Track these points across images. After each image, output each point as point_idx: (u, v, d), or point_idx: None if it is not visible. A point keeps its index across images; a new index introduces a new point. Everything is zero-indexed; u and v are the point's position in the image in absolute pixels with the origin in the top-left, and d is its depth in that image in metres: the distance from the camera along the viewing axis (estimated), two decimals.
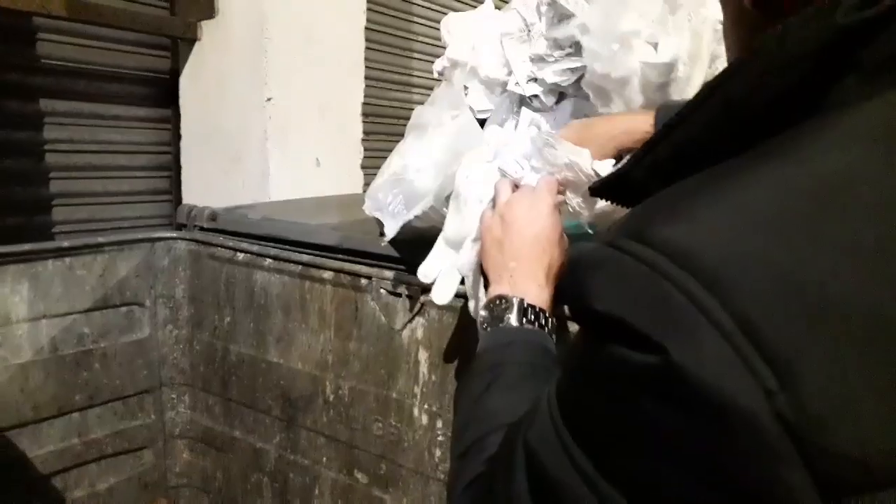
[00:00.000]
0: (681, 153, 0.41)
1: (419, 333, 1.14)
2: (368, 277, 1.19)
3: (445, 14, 3.42)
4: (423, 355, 1.14)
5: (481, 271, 0.78)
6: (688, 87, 0.87)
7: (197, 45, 2.16)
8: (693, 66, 0.86)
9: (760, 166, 0.35)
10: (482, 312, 0.72)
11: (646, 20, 0.87)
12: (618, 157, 0.90)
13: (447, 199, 0.89)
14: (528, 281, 0.71)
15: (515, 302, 0.69)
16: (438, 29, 3.40)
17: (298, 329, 1.29)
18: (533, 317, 0.68)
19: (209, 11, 2.11)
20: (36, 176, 1.96)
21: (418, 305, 1.13)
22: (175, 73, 2.25)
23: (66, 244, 1.30)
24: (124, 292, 1.39)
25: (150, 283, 1.43)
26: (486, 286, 0.77)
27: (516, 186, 0.81)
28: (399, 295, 1.15)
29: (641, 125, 0.81)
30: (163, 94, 2.26)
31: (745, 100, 0.38)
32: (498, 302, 0.70)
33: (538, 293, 0.70)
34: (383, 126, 3.01)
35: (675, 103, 0.82)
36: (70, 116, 2.02)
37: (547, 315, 0.70)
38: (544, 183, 0.79)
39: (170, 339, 1.46)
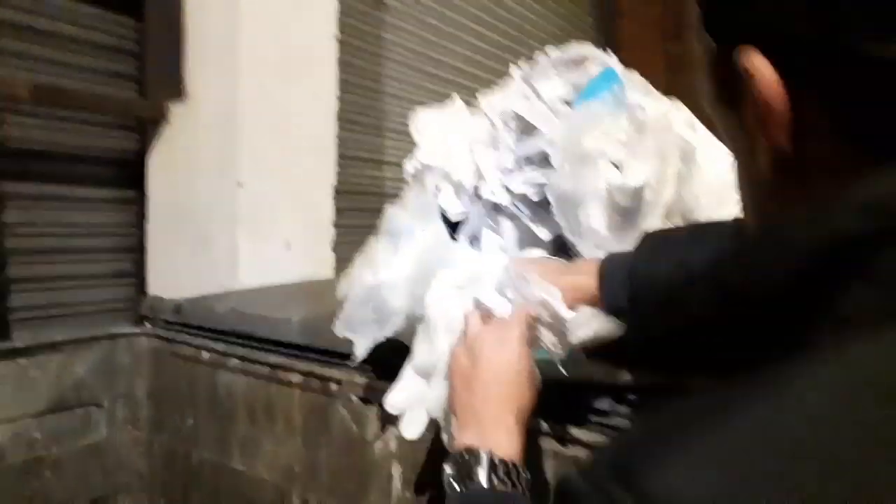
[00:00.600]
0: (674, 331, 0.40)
1: (392, 446, 1.09)
2: (339, 382, 1.14)
3: (417, 94, 3.46)
4: (396, 470, 1.09)
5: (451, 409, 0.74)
6: (653, 212, 0.86)
7: (165, 127, 2.14)
8: (660, 191, 0.85)
9: (757, 406, 0.32)
10: (447, 466, 0.67)
11: (611, 139, 0.86)
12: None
13: (417, 319, 0.86)
14: (497, 427, 0.67)
15: (484, 457, 0.64)
16: (409, 108, 3.43)
17: (264, 435, 1.23)
18: (504, 474, 0.63)
19: (178, 93, 2.09)
20: None
21: (392, 416, 1.08)
22: (142, 154, 2.22)
23: (19, 345, 1.24)
24: (81, 393, 1.32)
25: (109, 382, 1.36)
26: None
27: (488, 317, 0.78)
28: (371, 402, 1.11)
29: (586, 283, 0.78)
30: (129, 175, 2.22)
31: (743, 294, 0.36)
32: (465, 455, 0.65)
33: (508, 441, 0.66)
34: (355, 202, 3.00)
35: (619, 256, 0.79)
36: (32, 199, 1.96)
37: (519, 469, 0.65)
38: (516, 315, 0.76)
39: (128, 441, 1.39)
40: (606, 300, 0.76)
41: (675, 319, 0.71)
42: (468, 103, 1.19)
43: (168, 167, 2.16)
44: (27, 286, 1.97)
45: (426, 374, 0.84)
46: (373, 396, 1.10)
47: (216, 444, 1.29)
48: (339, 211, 2.54)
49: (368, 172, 3.11)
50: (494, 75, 4.03)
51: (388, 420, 1.09)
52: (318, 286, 2.00)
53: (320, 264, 2.39)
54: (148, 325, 1.43)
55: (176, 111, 2.13)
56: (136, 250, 2.26)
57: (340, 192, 2.55)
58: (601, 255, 0.83)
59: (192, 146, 2.11)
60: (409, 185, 1.14)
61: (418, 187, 1.09)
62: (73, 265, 2.09)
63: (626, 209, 0.83)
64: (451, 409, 0.74)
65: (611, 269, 0.78)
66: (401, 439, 1.08)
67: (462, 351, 0.74)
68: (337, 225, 2.51)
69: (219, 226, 2.09)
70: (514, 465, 0.65)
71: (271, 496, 1.22)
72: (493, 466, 0.63)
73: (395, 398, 0.86)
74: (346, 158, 2.74)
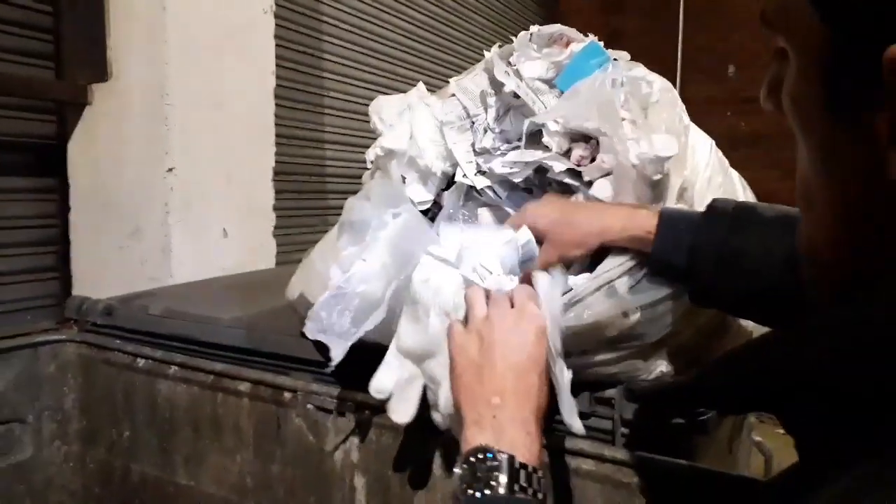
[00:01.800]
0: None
1: (354, 456, 1.01)
2: (293, 391, 1.05)
3: (357, 70, 3.34)
4: (359, 481, 1.01)
5: (456, 403, 0.66)
6: (671, 191, 0.80)
7: (87, 110, 1.97)
8: (676, 168, 0.79)
9: None
10: (459, 470, 0.59)
11: (620, 115, 0.80)
12: (594, 257, 0.81)
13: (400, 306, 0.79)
14: (516, 427, 0.59)
15: (505, 461, 0.56)
16: (350, 84, 3.29)
17: (211, 448, 1.14)
18: (526, 481, 0.56)
19: (101, 74, 1.93)
20: None
21: (353, 424, 1.00)
22: (62, 140, 2.04)
23: None
24: (1, 409, 1.19)
25: (34, 395, 1.23)
26: (460, 422, 0.65)
27: (493, 296, 0.71)
28: (330, 411, 1.02)
29: (646, 219, 0.75)
30: (48, 162, 2.05)
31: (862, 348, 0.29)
32: (482, 457, 0.57)
33: (529, 444, 0.59)
34: (294, 184, 2.88)
35: (679, 213, 0.77)
36: None
37: (541, 476, 0.58)
38: (526, 294, 0.68)
39: (57, 457, 1.27)
40: (659, 251, 0.74)
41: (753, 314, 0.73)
42: (428, 85, 1.11)
43: (91, 153, 2.00)
44: None
45: (415, 357, 0.77)
46: (330, 404, 1.01)
47: (158, 457, 1.19)
48: (278, 193, 2.42)
49: (308, 152, 2.99)
50: (438, 49, 3.95)
51: (348, 428, 1.01)
52: (259, 277, 1.89)
53: (260, 252, 2.27)
54: (75, 329, 1.30)
55: (98, 93, 1.97)
56: (59, 243, 2.10)
57: (278, 174, 2.43)
58: None
59: (117, 130, 1.95)
60: (371, 173, 1.05)
61: (381, 175, 1.01)
62: None
63: (653, 184, 0.77)
64: (456, 400, 0.65)
65: (670, 222, 0.75)
66: (363, 448, 1.01)
67: (467, 335, 0.66)
68: (276, 209, 2.39)
69: (149, 216, 1.95)
70: (534, 470, 0.58)
71: None
72: (513, 472, 0.56)
73: (382, 381, 0.79)
74: (284, 138, 2.62)
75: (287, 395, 1.06)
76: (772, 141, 4.77)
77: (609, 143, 0.77)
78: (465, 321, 0.70)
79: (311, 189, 3.06)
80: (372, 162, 1.05)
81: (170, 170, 1.91)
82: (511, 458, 0.57)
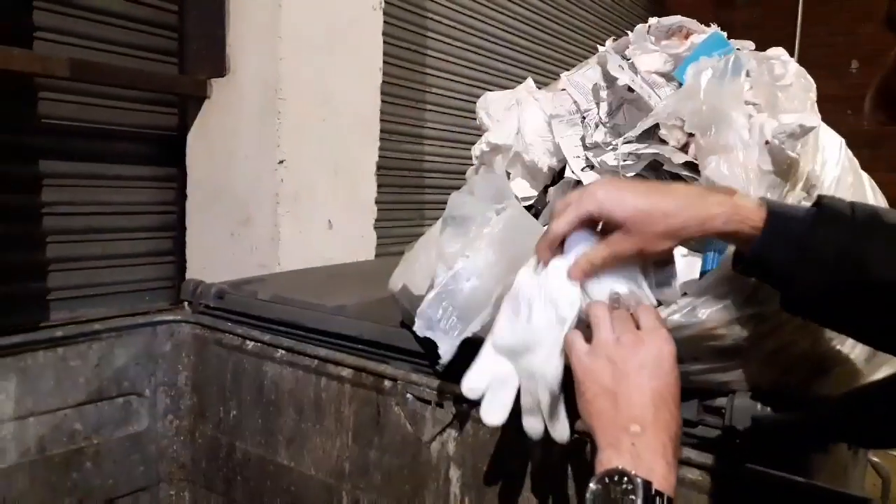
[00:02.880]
0: None
1: (451, 448, 1.02)
2: (393, 379, 1.07)
3: (460, 66, 3.36)
4: (454, 473, 1.02)
5: (587, 426, 0.65)
6: (797, 180, 0.75)
7: (206, 104, 2.07)
8: (804, 155, 0.75)
9: None
10: (593, 486, 0.58)
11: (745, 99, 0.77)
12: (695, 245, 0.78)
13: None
14: (656, 456, 0.58)
15: (641, 486, 0.56)
16: (452, 80, 3.31)
17: (312, 430, 1.17)
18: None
19: (220, 69, 2.02)
20: (32, 241, 1.85)
21: (451, 416, 1.01)
22: (182, 131, 2.16)
23: (59, 333, 1.19)
24: (121, 382, 1.27)
25: (151, 371, 1.31)
26: (592, 444, 0.64)
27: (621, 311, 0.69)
28: (428, 402, 1.03)
29: (754, 211, 0.66)
30: (168, 152, 2.17)
31: None
32: (617, 479, 0.57)
33: (667, 474, 0.58)
34: (394, 179, 2.93)
35: (788, 206, 0.68)
36: (70, 177, 1.92)
37: None
38: (654, 315, 0.67)
39: (170, 430, 1.34)
40: (765, 248, 0.65)
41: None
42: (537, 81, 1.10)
43: (208, 145, 2.10)
44: (64, 266, 1.94)
45: (512, 353, 0.75)
46: (429, 395, 1.02)
47: (261, 437, 1.24)
48: (379, 187, 2.47)
49: (408, 147, 3.04)
50: (543, 45, 3.91)
51: (446, 420, 1.01)
52: (361, 268, 1.93)
53: (362, 244, 2.33)
54: (189, 311, 1.37)
55: (217, 87, 2.06)
56: (175, 229, 2.22)
57: (380, 168, 2.48)
58: None
59: (233, 123, 2.04)
60: (475, 168, 1.05)
61: (486, 170, 1.01)
62: (110, 244, 2.05)
63: (783, 166, 0.72)
64: (588, 423, 0.65)
65: (781, 218, 0.65)
66: (459, 441, 1.02)
67: (595, 358, 0.65)
68: (377, 202, 2.44)
69: (260, 205, 2.03)
70: (670, 500, 0.57)
71: (319, 493, 1.16)
72: (649, 497, 0.55)
73: (475, 380, 0.77)
74: (387, 133, 2.67)
75: (387, 383, 1.07)
76: None
77: (728, 126, 0.73)
78: (587, 339, 0.69)
79: (411, 184, 3.10)
80: (477, 157, 1.05)
81: (280, 162, 1.98)
82: (648, 485, 0.56)
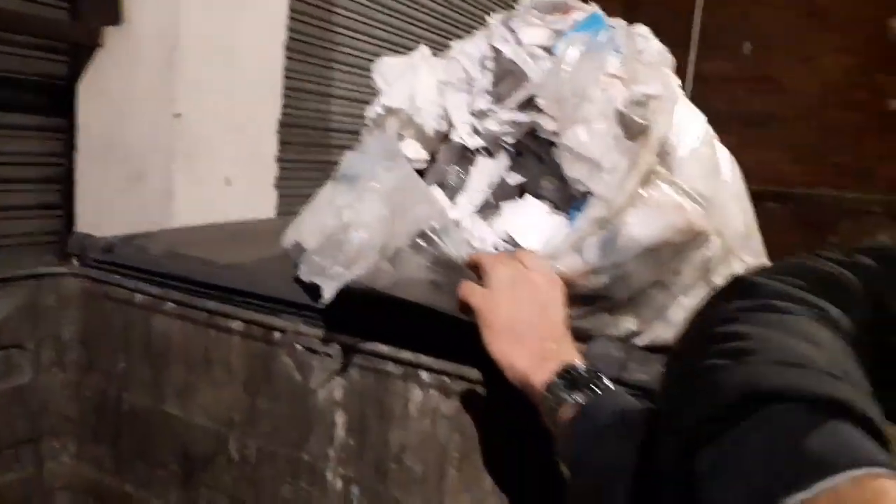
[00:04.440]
0: None
1: (337, 395, 1.06)
2: (283, 331, 1.10)
3: (369, 26, 3.34)
4: (340, 418, 1.06)
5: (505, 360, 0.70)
6: (649, 147, 0.82)
7: (99, 53, 2.00)
8: (657, 119, 0.81)
9: None
10: (550, 392, 0.62)
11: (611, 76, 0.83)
12: None
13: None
14: (576, 354, 0.66)
15: (593, 371, 0.63)
16: (361, 40, 3.29)
17: (201, 382, 1.19)
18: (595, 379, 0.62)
19: (114, 17, 1.95)
20: None
21: (338, 365, 1.05)
22: (72, 81, 2.07)
23: None
24: (3, 335, 1.24)
25: (34, 324, 1.28)
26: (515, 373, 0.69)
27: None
28: (316, 352, 1.07)
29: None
30: (56, 102, 2.08)
31: None
32: (573, 372, 0.62)
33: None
34: (299, 137, 2.90)
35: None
36: None
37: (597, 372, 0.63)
38: (530, 253, 0.74)
39: (55, 384, 1.32)
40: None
41: None
42: (434, 50, 1.14)
43: (100, 95, 2.03)
44: None
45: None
46: (318, 345, 1.06)
47: (150, 388, 1.24)
48: (282, 145, 2.45)
49: (314, 106, 3.01)
50: (451, 9, 3.93)
51: (333, 368, 1.06)
52: (258, 226, 1.93)
53: (262, 203, 2.31)
54: (76, 264, 1.34)
55: (110, 36, 1.99)
56: (64, 182, 2.14)
57: (284, 126, 2.46)
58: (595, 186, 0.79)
59: (128, 74, 1.98)
60: (370, 131, 1.08)
61: (379, 132, 1.04)
62: None
63: (634, 130, 0.79)
64: (504, 357, 0.69)
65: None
66: (346, 388, 1.06)
67: (493, 295, 0.71)
68: (280, 160, 2.42)
69: (154, 159, 1.99)
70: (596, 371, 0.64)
71: (208, 442, 1.18)
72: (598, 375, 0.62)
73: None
74: (292, 91, 2.64)
75: (277, 335, 1.10)
76: (786, 123, 4.75)
77: (588, 98, 0.80)
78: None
79: (316, 143, 3.08)
80: (372, 120, 1.09)
81: (176, 116, 1.94)
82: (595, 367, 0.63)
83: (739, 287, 0.51)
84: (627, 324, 0.91)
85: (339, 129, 3.17)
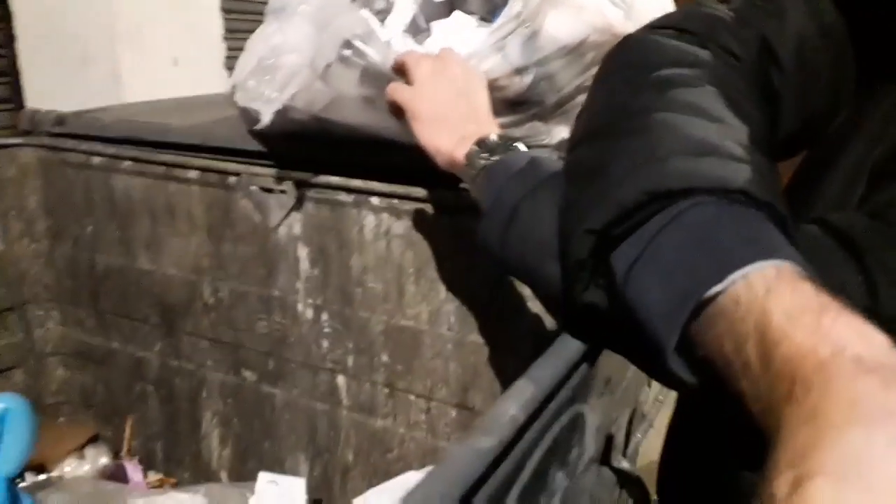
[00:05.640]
0: None
1: (297, 229, 1.12)
2: (237, 174, 1.15)
3: None
4: (302, 251, 1.13)
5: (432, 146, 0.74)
6: None
7: None
8: None
9: None
10: (470, 160, 0.66)
11: None
12: None
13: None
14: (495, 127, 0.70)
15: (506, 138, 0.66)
16: None
17: (167, 234, 1.24)
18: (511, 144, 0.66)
19: None
20: None
21: (293, 200, 1.11)
22: None
23: None
24: None
25: None
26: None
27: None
28: (271, 191, 1.12)
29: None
30: None
31: None
32: (491, 140, 0.66)
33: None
34: (248, 24, 2.84)
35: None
36: None
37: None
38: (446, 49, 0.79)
39: (27, 253, 1.37)
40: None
41: None
42: None
43: None
44: None
45: None
46: (271, 183, 1.11)
47: (120, 247, 1.30)
48: (231, 32, 2.42)
49: None
50: None
51: (290, 204, 1.11)
52: (209, 99, 1.93)
53: (213, 82, 2.30)
54: (31, 137, 1.36)
55: None
56: (8, 74, 2.11)
57: (232, 13, 2.42)
58: None
59: None
60: None
61: None
62: None
63: None
64: (431, 142, 0.73)
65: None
66: (304, 223, 1.12)
67: (418, 87, 0.75)
68: (230, 47, 2.39)
69: (97, 42, 1.96)
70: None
71: (182, 289, 1.25)
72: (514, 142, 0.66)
73: None
74: None
75: (232, 179, 1.15)
76: None
77: None
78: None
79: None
80: None
81: None
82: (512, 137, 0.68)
83: (636, 47, 0.54)
84: (561, 132, 0.96)
85: None
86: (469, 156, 0.66)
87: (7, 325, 1.36)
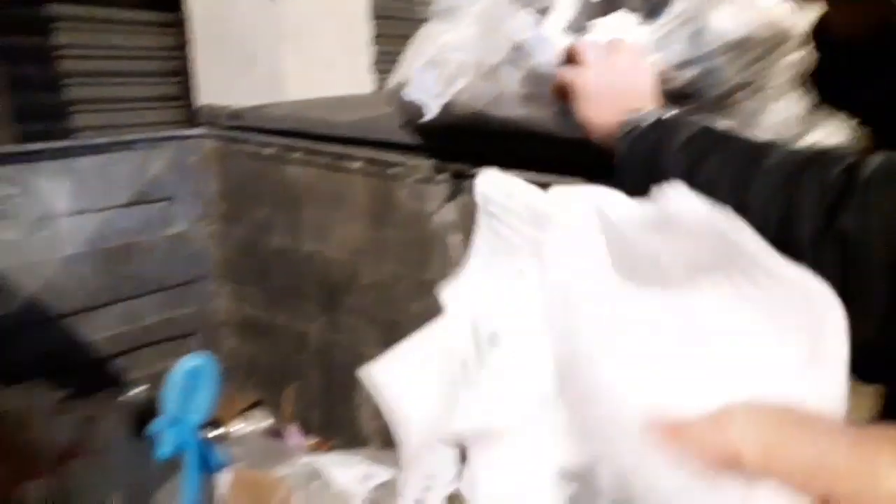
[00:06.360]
0: None
1: (451, 217, 1.19)
2: (399, 165, 1.23)
3: None
4: (455, 239, 1.20)
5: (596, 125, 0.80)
6: None
7: None
8: None
9: None
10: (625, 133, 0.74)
11: None
12: None
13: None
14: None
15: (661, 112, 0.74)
16: None
17: (332, 219, 1.35)
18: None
19: None
20: (53, 82, 1.97)
21: (450, 191, 1.18)
22: None
23: (99, 141, 1.34)
24: (158, 189, 1.43)
25: (183, 180, 1.47)
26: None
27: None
28: (429, 181, 1.20)
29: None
30: None
31: None
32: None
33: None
34: (393, 29, 2.98)
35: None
36: (79, 21, 2.02)
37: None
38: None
39: (205, 234, 1.52)
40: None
41: None
42: None
43: None
44: (86, 107, 2.06)
45: None
46: (430, 175, 1.19)
47: (287, 230, 1.42)
48: (379, 37, 2.54)
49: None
50: None
51: (445, 195, 1.18)
52: (360, 98, 2.06)
53: (360, 82, 2.43)
54: (210, 129, 1.51)
55: None
56: (182, 73, 2.32)
57: (379, 18, 2.54)
58: None
59: None
60: None
61: None
62: (123, 87, 2.16)
63: None
64: (597, 115, 0.79)
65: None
66: (458, 210, 1.19)
67: (591, 68, 0.80)
68: (378, 51, 2.51)
69: (263, 42, 2.13)
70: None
71: (344, 271, 1.35)
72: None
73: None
74: None
75: (393, 169, 1.24)
76: None
77: None
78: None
79: (412, 34, 3.14)
80: None
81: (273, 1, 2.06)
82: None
83: None
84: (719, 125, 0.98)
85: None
86: (623, 126, 0.72)
87: (186, 297, 1.52)
